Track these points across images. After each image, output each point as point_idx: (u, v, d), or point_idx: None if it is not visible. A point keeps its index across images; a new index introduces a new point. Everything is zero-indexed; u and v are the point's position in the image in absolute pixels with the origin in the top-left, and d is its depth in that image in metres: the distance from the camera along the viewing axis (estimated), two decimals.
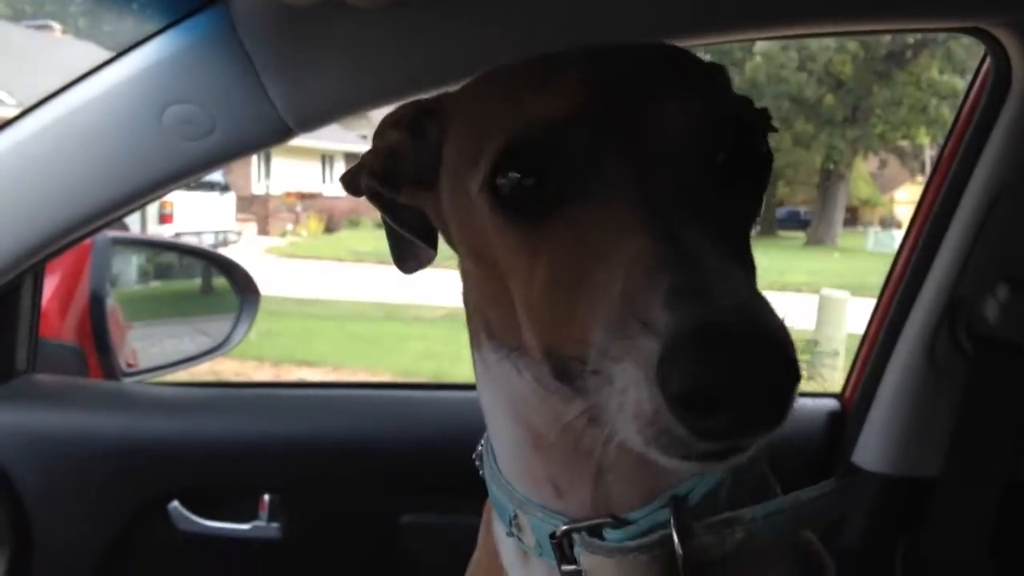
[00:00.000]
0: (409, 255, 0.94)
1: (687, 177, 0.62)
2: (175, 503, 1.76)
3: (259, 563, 1.83)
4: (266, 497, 1.78)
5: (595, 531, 0.71)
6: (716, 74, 0.73)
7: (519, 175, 0.64)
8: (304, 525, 1.80)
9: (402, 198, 0.83)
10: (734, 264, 0.56)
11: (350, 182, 0.87)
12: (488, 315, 0.75)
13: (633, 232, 0.58)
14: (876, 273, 1.92)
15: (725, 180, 0.65)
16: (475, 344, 0.80)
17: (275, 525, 1.78)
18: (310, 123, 1.39)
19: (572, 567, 0.72)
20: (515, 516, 0.76)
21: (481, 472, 0.84)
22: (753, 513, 0.70)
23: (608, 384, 0.54)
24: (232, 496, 1.82)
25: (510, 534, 0.77)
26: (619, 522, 0.71)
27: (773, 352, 0.51)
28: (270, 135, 1.39)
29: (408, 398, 1.91)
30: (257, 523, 1.78)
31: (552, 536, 0.72)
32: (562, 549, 0.72)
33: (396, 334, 9.70)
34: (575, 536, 0.72)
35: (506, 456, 0.78)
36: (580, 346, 0.58)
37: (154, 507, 1.76)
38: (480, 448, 0.85)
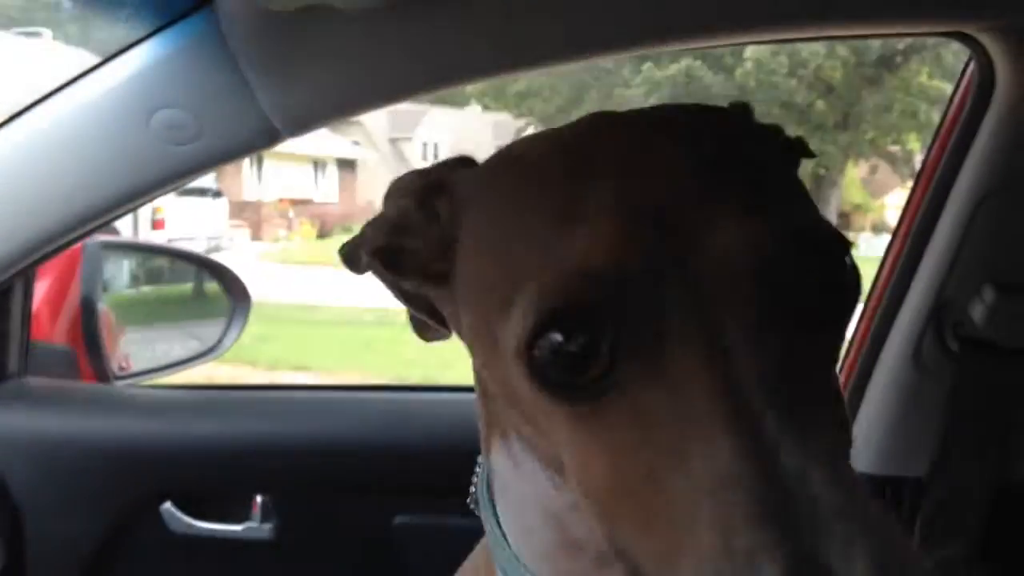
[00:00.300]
0: (427, 327, 0.81)
1: (769, 335, 0.50)
2: (167, 504, 1.77)
3: (252, 564, 1.83)
4: (259, 498, 1.79)
5: None
6: (779, 170, 0.61)
7: (562, 340, 0.52)
8: (297, 526, 1.81)
9: (408, 286, 0.71)
10: (847, 477, 0.46)
11: (349, 256, 0.74)
12: (522, 432, 0.64)
13: (717, 439, 0.47)
14: (869, 278, 1.93)
15: (807, 319, 0.53)
16: (500, 429, 0.70)
17: (267, 526, 1.78)
18: (299, 127, 1.40)
19: None
20: None
21: (475, 510, 0.78)
22: None
23: None
24: (224, 498, 1.83)
25: None
26: None
27: None
28: (259, 139, 1.39)
29: (400, 400, 1.92)
30: (250, 524, 1.78)
31: None
32: None
33: (389, 339, 9.70)
34: None
35: (529, 549, 0.70)
36: (664, 561, 0.48)
37: (146, 508, 1.77)
38: (473, 490, 0.79)
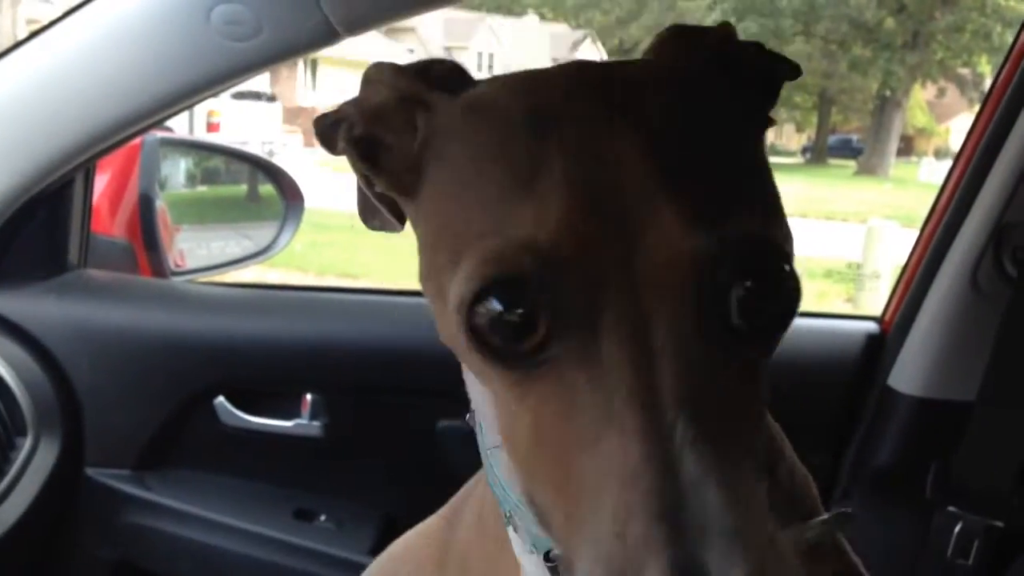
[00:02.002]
0: (376, 212, 0.78)
1: (696, 345, 0.52)
2: (220, 398, 1.82)
3: (300, 459, 1.89)
4: (308, 397, 1.83)
5: None
6: (737, 146, 0.61)
7: (502, 309, 0.53)
8: (344, 425, 1.85)
9: (378, 186, 0.69)
10: (740, 504, 0.48)
11: (324, 135, 0.71)
12: None
13: (629, 433, 0.49)
14: (927, 205, 1.90)
15: (739, 330, 0.54)
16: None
17: (316, 424, 1.83)
18: (357, 26, 1.38)
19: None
20: (510, 515, 0.74)
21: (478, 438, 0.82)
22: None
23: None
24: (275, 395, 1.87)
25: (507, 523, 0.75)
26: None
27: None
28: (317, 38, 1.39)
29: None
30: (299, 421, 1.83)
31: (547, 557, 0.69)
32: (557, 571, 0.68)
33: None
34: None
35: (502, 464, 0.73)
36: (564, 529, 0.53)
37: (200, 401, 1.82)
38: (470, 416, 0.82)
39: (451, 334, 0.59)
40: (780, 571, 0.48)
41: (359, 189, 0.78)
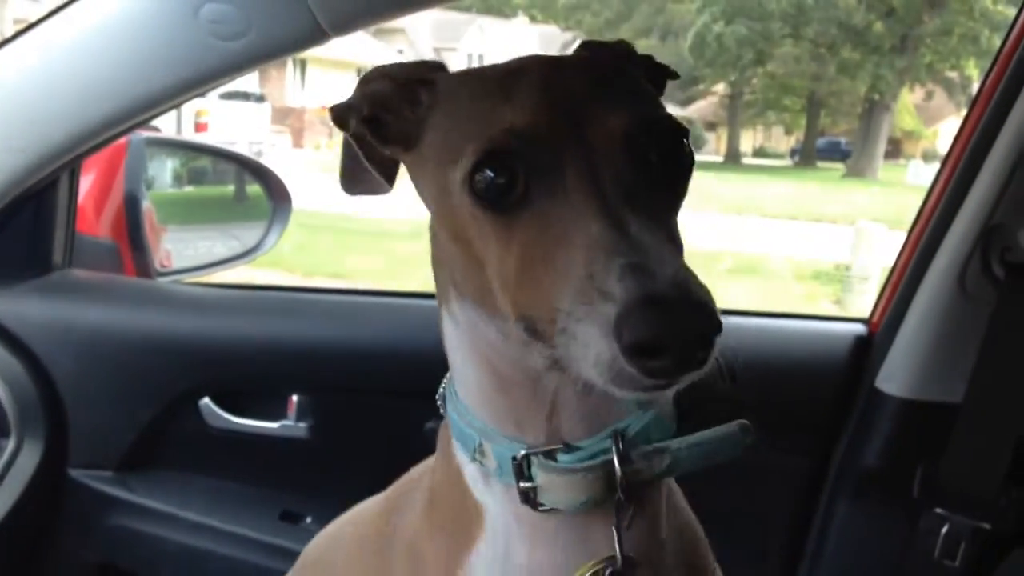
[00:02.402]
0: (360, 180, 1.00)
1: (628, 176, 0.76)
2: (206, 400, 1.81)
3: (286, 461, 1.88)
4: (294, 398, 1.82)
5: (550, 455, 0.86)
6: (644, 87, 0.90)
7: (493, 175, 0.77)
8: (331, 427, 1.85)
9: (388, 151, 0.92)
10: (668, 246, 0.71)
11: (340, 117, 0.93)
12: (457, 279, 0.88)
13: (589, 222, 0.72)
14: (915, 207, 1.91)
15: (657, 177, 0.79)
16: (442, 299, 0.92)
17: (302, 425, 1.82)
18: (345, 26, 1.38)
19: (528, 484, 0.86)
20: (480, 444, 0.89)
21: (442, 411, 0.96)
22: (678, 444, 0.87)
23: (574, 339, 0.69)
24: (261, 396, 1.86)
25: (473, 459, 0.90)
26: (570, 449, 0.87)
27: (700, 311, 0.67)
28: (305, 37, 1.38)
29: (433, 306, 1.93)
30: (285, 422, 1.82)
31: (513, 459, 0.86)
32: (521, 469, 0.86)
33: (426, 250, 9.72)
34: (533, 459, 0.86)
35: (473, 396, 0.91)
36: (550, 311, 0.72)
37: (185, 402, 1.81)
38: (442, 390, 0.96)
39: (455, 218, 0.81)
40: (695, 283, 0.68)
41: (344, 163, 0.99)
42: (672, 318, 0.65)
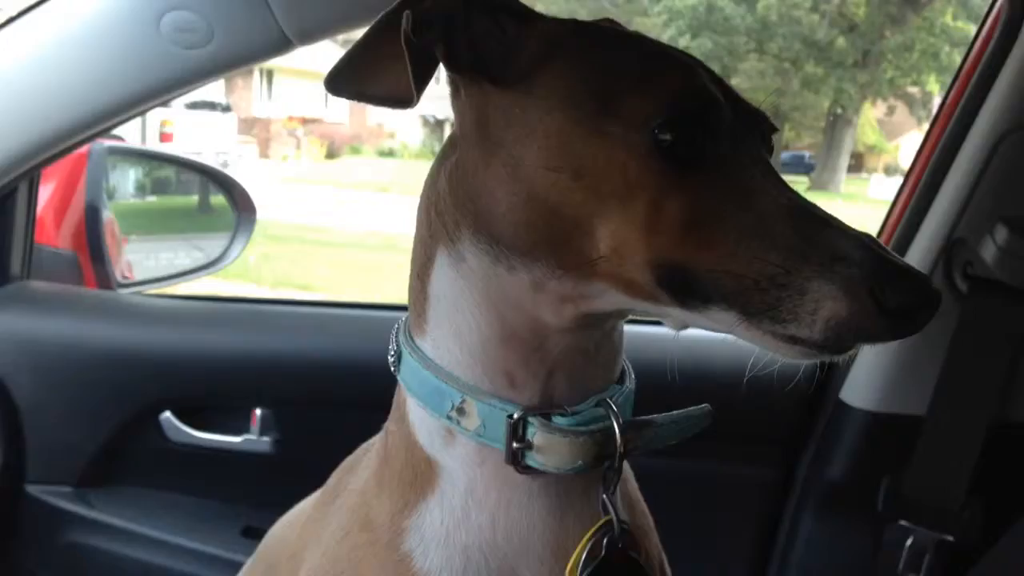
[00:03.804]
0: (362, 79, 0.85)
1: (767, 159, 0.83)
2: (167, 414, 1.78)
3: (249, 476, 1.85)
4: (258, 412, 1.80)
5: (547, 417, 0.85)
6: None
7: (677, 132, 0.77)
8: (295, 441, 1.82)
9: (457, 76, 0.85)
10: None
11: (418, 24, 0.80)
12: (505, 222, 0.83)
13: (780, 190, 0.77)
14: (877, 220, 1.93)
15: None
16: (447, 238, 0.87)
17: (266, 439, 1.80)
18: (310, 35, 1.37)
19: (519, 445, 0.84)
20: (462, 402, 0.86)
21: (394, 370, 0.93)
22: (662, 419, 0.89)
23: (799, 295, 0.72)
24: (225, 410, 1.84)
25: (448, 418, 0.87)
26: (567, 413, 0.86)
27: (927, 277, 0.72)
28: (269, 46, 1.37)
29: (399, 318, 1.91)
30: (248, 437, 1.80)
31: (510, 417, 0.84)
32: (516, 429, 0.84)
33: (394, 263, 9.70)
34: (531, 419, 0.84)
35: (467, 348, 0.87)
36: (732, 263, 0.75)
37: (146, 417, 1.78)
38: (395, 348, 0.93)
39: (572, 149, 0.79)
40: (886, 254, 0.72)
41: (354, 52, 0.84)
42: (920, 284, 0.71)
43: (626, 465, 0.94)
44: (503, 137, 0.83)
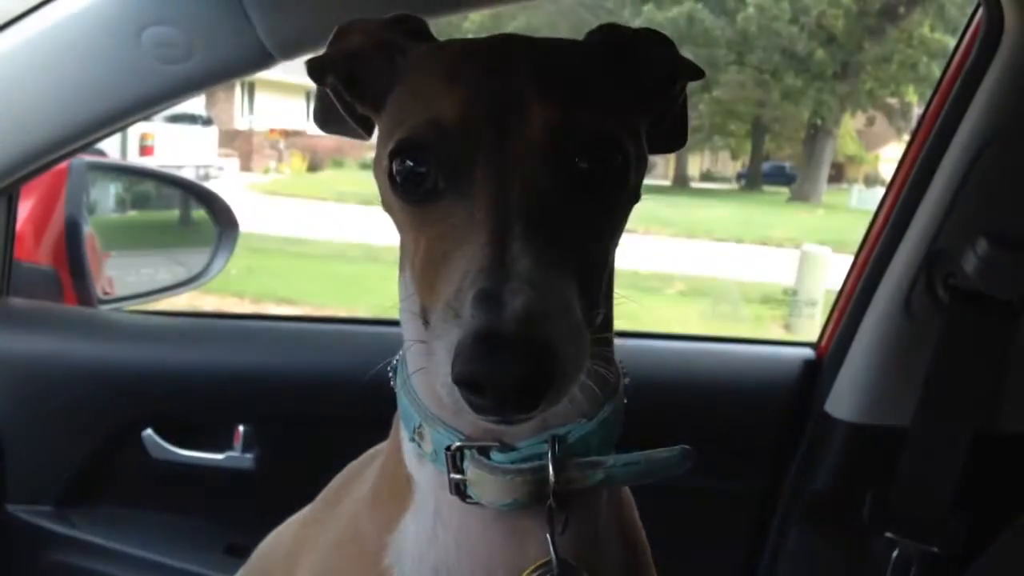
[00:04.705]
0: (334, 121, 0.97)
1: (543, 183, 0.74)
2: (149, 431, 1.76)
3: (232, 493, 1.84)
4: (241, 428, 1.78)
5: (484, 451, 0.84)
6: (614, 86, 0.86)
7: (411, 164, 0.77)
8: (278, 457, 1.81)
9: (360, 109, 0.91)
10: (551, 273, 0.70)
11: (316, 72, 0.91)
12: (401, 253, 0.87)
13: (477, 232, 0.71)
14: (857, 230, 1.94)
15: (583, 186, 0.77)
16: (401, 266, 0.90)
17: (249, 456, 1.78)
18: (291, 50, 1.37)
19: (459, 476, 0.84)
20: (419, 426, 0.87)
21: (392, 383, 0.94)
22: (614, 460, 0.85)
23: (432, 353, 0.70)
24: (206, 426, 1.82)
25: (412, 440, 0.88)
26: (505, 447, 0.85)
27: (531, 357, 0.65)
28: (250, 61, 1.37)
29: (385, 334, 1.90)
30: (231, 453, 1.78)
31: (447, 449, 0.84)
32: (454, 460, 0.84)
33: (377, 275, 9.68)
34: (466, 452, 0.84)
35: (417, 376, 0.88)
36: (430, 306, 0.73)
37: (128, 434, 1.76)
38: (396, 361, 0.94)
39: (385, 195, 0.82)
40: (555, 323, 0.67)
41: (317, 105, 0.96)
42: (496, 359, 0.64)
43: (627, 493, 0.95)
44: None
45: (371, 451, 1.11)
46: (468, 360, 0.65)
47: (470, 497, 0.84)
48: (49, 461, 1.77)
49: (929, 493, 1.65)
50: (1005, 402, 1.70)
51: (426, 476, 0.89)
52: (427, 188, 0.76)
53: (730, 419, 1.83)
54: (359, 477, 1.07)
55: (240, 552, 1.79)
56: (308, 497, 1.80)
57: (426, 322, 0.74)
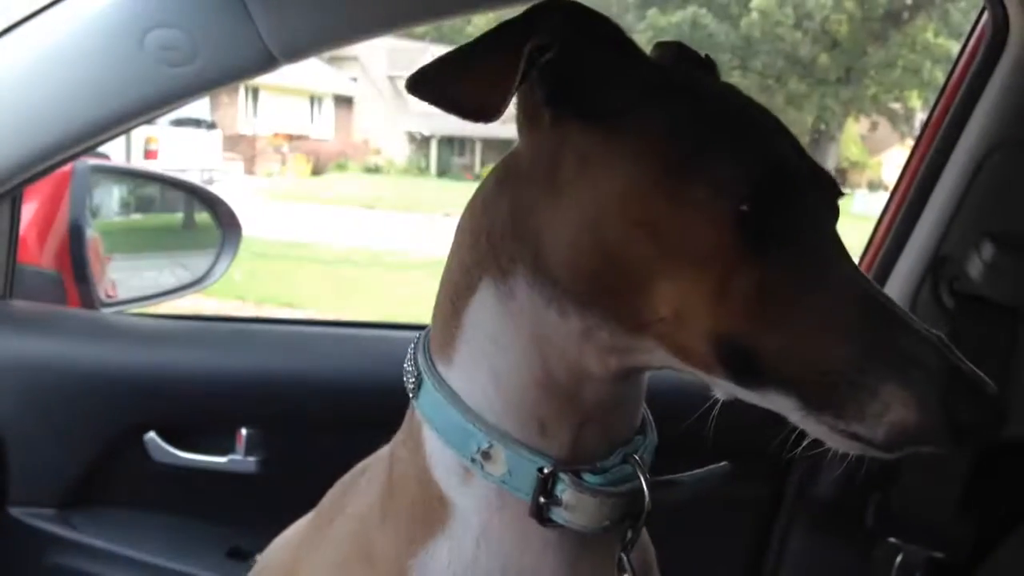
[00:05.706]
0: (458, 82, 0.76)
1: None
2: (152, 434, 1.76)
3: (234, 496, 1.83)
4: (243, 431, 1.78)
5: (577, 474, 0.82)
6: None
7: (759, 207, 0.74)
8: (281, 460, 1.81)
9: (543, 104, 0.80)
10: None
11: (516, 35, 0.75)
12: (563, 268, 0.79)
13: (852, 279, 0.74)
14: (862, 236, 1.93)
15: None
16: (497, 270, 0.83)
17: (252, 459, 1.78)
18: (296, 53, 1.36)
19: (545, 500, 0.81)
20: (489, 447, 0.82)
21: (412, 396, 0.90)
22: (689, 478, 0.89)
23: (870, 396, 0.70)
24: (209, 429, 1.82)
25: (472, 460, 0.83)
26: (594, 469, 0.83)
27: (999, 403, 0.71)
28: (254, 64, 1.36)
29: (388, 338, 1.90)
30: (234, 457, 1.78)
31: (540, 471, 0.81)
32: (545, 485, 0.81)
33: (380, 280, 9.69)
34: (562, 475, 0.81)
35: (498, 390, 0.83)
36: (801, 348, 0.73)
37: (131, 437, 1.76)
38: (415, 375, 0.90)
39: (644, 210, 0.76)
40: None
41: (456, 56, 0.76)
42: (998, 407, 0.70)
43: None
44: (575, 178, 0.79)
45: (358, 466, 1.07)
46: (976, 407, 0.69)
47: (551, 521, 0.82)
48: (52, 463, 1.77)
49: (933, 498, 1.65)
50: (1010, 407, 1.69)
51: (473, 496, 0.85)
52: (774, 228, 0.75)
53: (733, 424, 1.82)
54: (349, 493, 1.03)
55: (242, 556, 1.79)
56: (311, 501, 1.80)
57: (738, 357, 0.75)
